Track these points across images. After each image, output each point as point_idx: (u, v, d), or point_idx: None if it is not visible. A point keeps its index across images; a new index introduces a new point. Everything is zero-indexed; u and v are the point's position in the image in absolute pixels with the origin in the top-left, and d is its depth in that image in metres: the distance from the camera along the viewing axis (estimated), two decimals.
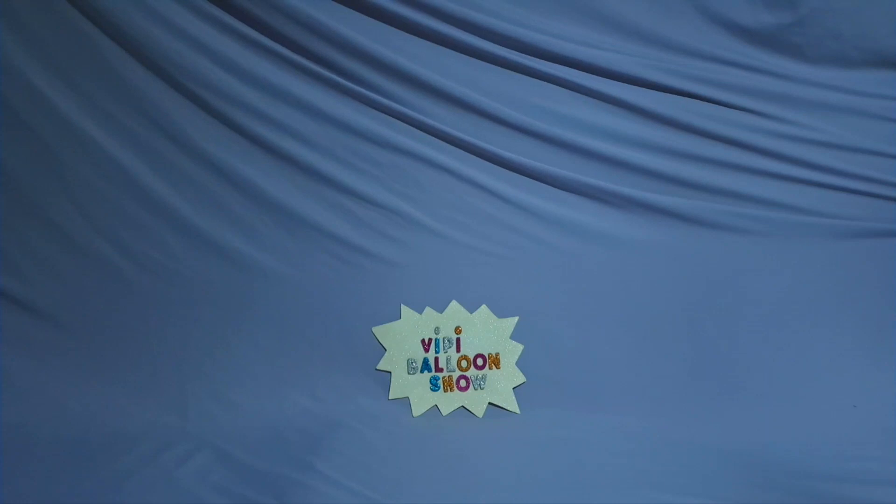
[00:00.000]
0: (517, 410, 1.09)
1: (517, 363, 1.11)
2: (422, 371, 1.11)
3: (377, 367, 1.11)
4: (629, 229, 1.13)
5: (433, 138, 1.11)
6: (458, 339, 1.12)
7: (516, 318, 1.12)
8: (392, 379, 1.11)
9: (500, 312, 1.13)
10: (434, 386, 1.11)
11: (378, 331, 1.12)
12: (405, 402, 1.10)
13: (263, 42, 1.06)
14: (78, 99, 1.08)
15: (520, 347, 1.11)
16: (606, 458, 0.94)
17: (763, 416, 1.05)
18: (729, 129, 1.12)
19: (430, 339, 1.12)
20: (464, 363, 1.11)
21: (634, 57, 1.10)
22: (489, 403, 1.10)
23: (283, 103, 1.08)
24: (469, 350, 1.12)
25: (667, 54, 1.10)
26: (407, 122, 1.10)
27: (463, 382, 1.11)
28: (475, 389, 1.11)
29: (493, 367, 1.11)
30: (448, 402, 1.10)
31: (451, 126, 1.10)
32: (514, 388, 1.10)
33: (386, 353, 1.11)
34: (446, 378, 1.11)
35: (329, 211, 1.12)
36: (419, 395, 1.10)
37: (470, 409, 1.10)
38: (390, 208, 1.12)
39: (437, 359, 1.12)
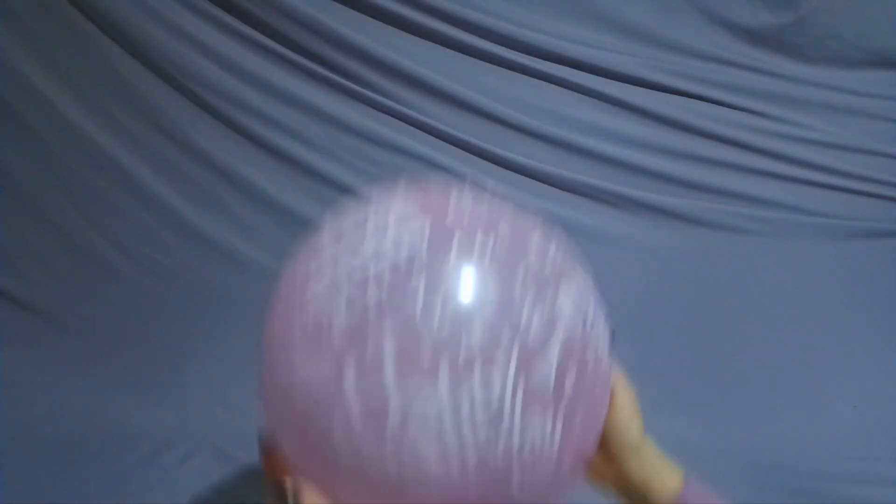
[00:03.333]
0: None
1: None
2: None
3: None
4: (629, 229, 1.13)
5: (433, 138, 1.11)
6: None
7: None
8: None
9: None
10: None
11: None
12: None
13: (263, 42, 1.06)
14: (78, 99, 1.07)
15: None
16: None
17: (763, 416, 1.05)
18: (729, 129, 1.12)
19: None
20: None
21: (634, 57, 1.10)
22: None
23: (283, 103, 1.08)
24: None
25: (667, 54, 1.10)
26: (407, 122, 1.10)
27: None
28: None
29: None
30: None
31: (451, 126, 1.09)
32: None
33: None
34: None
35: (329, 211, 1.12)
36: None
37: None
38: None
39: None
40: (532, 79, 1.10)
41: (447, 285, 0.42)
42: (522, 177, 1.12)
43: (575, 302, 0.47)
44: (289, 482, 0.44)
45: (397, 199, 0.50)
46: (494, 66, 1.10)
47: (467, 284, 0.42)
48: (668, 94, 1.11)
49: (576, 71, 1.09)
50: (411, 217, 0.46)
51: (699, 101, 1.11)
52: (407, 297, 0.41)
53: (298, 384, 0.43)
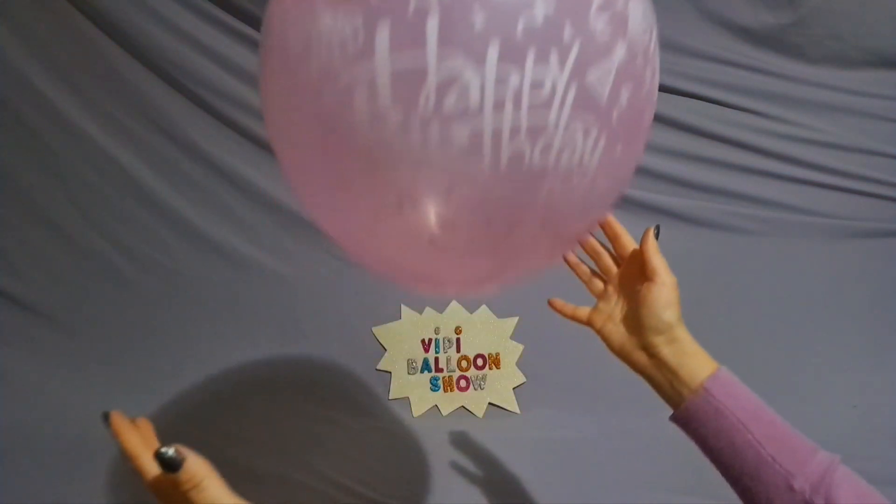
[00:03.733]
0: (517, 410, 1.09)
1: (517, 363, 1.11)
2: (422, 371, 1.11)
3: (377, 367, 1.11)
4: (628, 229, 1.12)
5: None
6: (458, 340, 1.12)
7: (516, 318, 1.12)
8: (392, 379, 1.11)
9: (500, 312, 1.13)
10: (434, 386, 1.11)
11: (378, 331, 1.12)
12: (405, 402, 1.10)
13: None
14: (78, 99, 1.07)
15: (520, 347, 1.11)
16: (606, 458, 0.94)
17: None
18: (729, 129, 1.11)
19: (430, 340, 1.12)
20: (464, 363, 1.11)
21: None
22: (489, 403, 1.10)
23: None
24: (469, 350, 1.12)
25: (667, 54, 1.10)
26: None
27: (463, 382, 1.11)
28: (475, 389, 1.11)
29: (493, 367, 1.11)
30: (448, 402, 1.10)
31: None
32: (514, 388, 1.10)
33: (386, 353, 1.11)
34: (446, 378, 1.11)
35: None
36: (419, 395, 1.10)
37: (470, 409, 1.10)
38: None
39: (437, 359, 1.12)
40: None
41: None
42: None
43: (645, 16, 0.41)
44: (171, 450, 0.41)
45: None
46: None
47: None
48: (668, 94, 1.11)
49: None
50: None
51: (699, 101, 1.11)
52: None
53: (318, 40, 0.36)
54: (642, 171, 1.12)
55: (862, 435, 0.99)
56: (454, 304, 1.13)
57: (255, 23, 1.05)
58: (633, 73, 0.39)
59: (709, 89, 1.11)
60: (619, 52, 0.37)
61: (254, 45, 1.06)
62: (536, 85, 0.34)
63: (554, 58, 0.35)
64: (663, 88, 1.12)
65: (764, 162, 1.12)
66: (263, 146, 1.10)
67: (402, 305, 1.12)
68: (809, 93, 1.12)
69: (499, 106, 0.34)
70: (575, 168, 0.38)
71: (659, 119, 1.11)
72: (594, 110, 0.37)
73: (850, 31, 1.09)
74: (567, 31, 0.35)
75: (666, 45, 1.10)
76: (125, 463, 0.45)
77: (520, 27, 0.34)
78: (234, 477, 0.95)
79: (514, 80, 0.34)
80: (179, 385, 1.10)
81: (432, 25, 0.33)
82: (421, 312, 1.12)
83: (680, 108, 1.11)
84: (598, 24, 0.36)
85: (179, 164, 1.10)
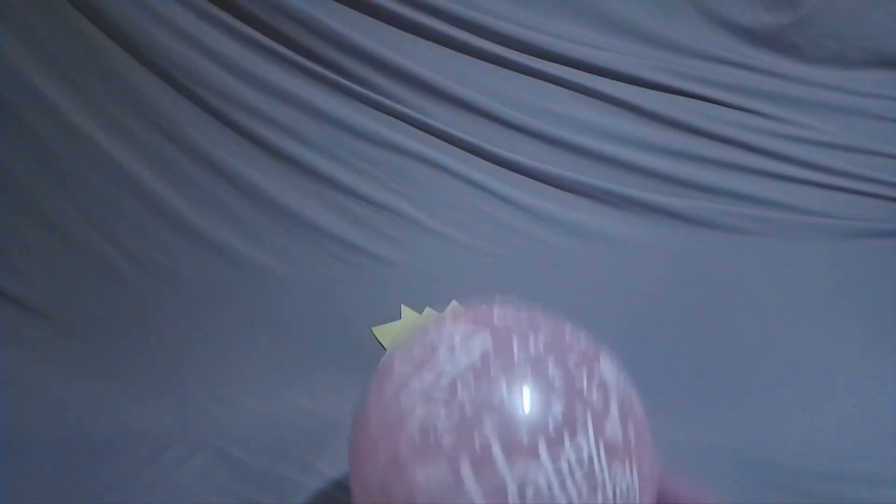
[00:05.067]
0: None
1: None
2: None
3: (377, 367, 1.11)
4: (628, 229, 1.13)
5: (433, 138, 1.11)
6: None
7: None
8: None
9: None
10: None
11: (378, 331, 1.12)
12: None
13: (263, 42, 1.06)
14: (78, 99, 1.08)
15: None
16: None
17: (763, 416, 1.05)
18: (729, 129, 1.12)
19: None
20: None
21: (635, 57, 1.10)
22: None
23: (283, 103, 1.08)
24: None
25: (667, 54, 1.10)
26: (407, 122, 1.10)
27: None
28: None
29: None
30: None
31: (452, 126, 1.10)
32: None
33: (386, 353, 1.11)
34: None
35: (329, 211, 1.12)
36: None
37: None
38: (390, 208, 1.12)
39: None
40: (532, 79, 1.10)
41: (521, 374, 0.50)
42: (522, 177, 1.13)
43: (612, 368, 0.56)
44: None
45: (451, 324, 0.58)
46: (494, 66, 1.10)
47: (537, 371, 0.50)
48: (668, 94, 1.11)
49: (576, 71, 1.09)
50: (472, 333, 0.55)
51: (699, 101, 1.11)
52: (493, 389, 0.49)
53: (420, 491, 0.48)
54: (642, 171, 1.12)
55: (862, 435, 0.99)
56: (454, 304, 1.12)
57: (255, 23, 1.05)
58: (628, 413, 0.52)
59: (709, 89, 1.11)
60: (615, 408, 0.51)
61: (254, 45, 1.06)
62: (580, 460, 0.47)
63: (581, 434, 0.48)
64: (664, 88, 1.13)
65: (764, 162, 1.12)
66: (263, 146, 1.10)
67: (402, 305, 1.12)
68: (809, 93, 1.12)
69: (563, 488, 0.46)
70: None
71: (659, 119, 1.11)
72: (621, 454, 0.49)
73: (850, 31, 1.09)
74: (579, 411, 0.49)
75: (666, 45, 1.11)
76: None
77: (551, 424, 0.48)
78: (234, 477, 0.95)
79: (565, 466, 0.47)
80: (179, 385, 1.10)
81: (497, 452, 0.47)
82: (421, 312, 1.12)
83: (680, 108, 1.11)
84: (594, 396, 0.50)
85: (179, 164, 1.10)
